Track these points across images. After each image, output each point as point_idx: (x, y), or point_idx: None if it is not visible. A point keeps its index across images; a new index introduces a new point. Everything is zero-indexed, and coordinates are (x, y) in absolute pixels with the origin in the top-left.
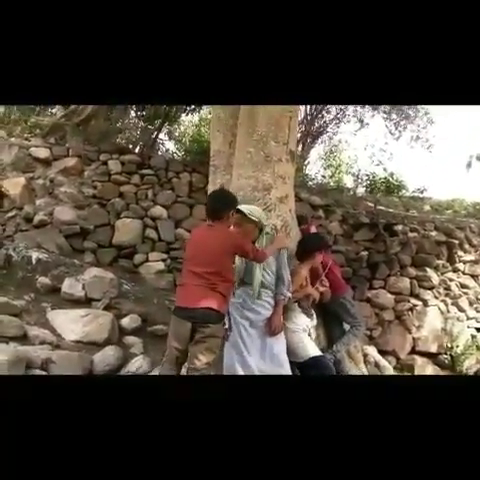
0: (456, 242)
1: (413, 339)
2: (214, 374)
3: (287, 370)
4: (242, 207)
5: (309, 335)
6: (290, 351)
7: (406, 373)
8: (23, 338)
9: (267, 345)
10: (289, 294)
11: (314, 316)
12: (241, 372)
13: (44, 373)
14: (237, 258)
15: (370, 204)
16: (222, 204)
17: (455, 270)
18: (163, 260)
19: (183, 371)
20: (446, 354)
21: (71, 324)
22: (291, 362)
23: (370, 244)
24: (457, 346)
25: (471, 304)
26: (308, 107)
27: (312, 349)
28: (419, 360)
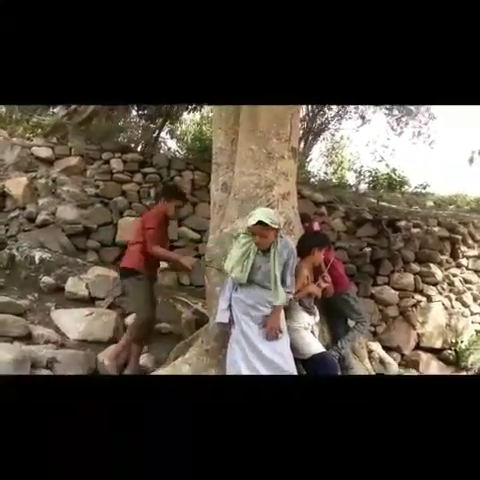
0: (459, 237)
1: (417, 335)
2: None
3: (291, 365)
4: (261, 217)
5: (312, 332)
6: (293, 348)
7: (411, 369)
8: (27, 338)
9: (270, 340)
10: (290, 296)
11: (316, 313)
12: (244, 367)
13: (49, 372)
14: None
15: (373, 200)
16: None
17: (459, 265)
18: None
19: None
20: (451, 350)
21: (75, 323)
22: (295, 359)
23: (373, 240)
24: (462, 341)
25: (475, 299)
26: None
27: (315, 346)
28: (424, 356)
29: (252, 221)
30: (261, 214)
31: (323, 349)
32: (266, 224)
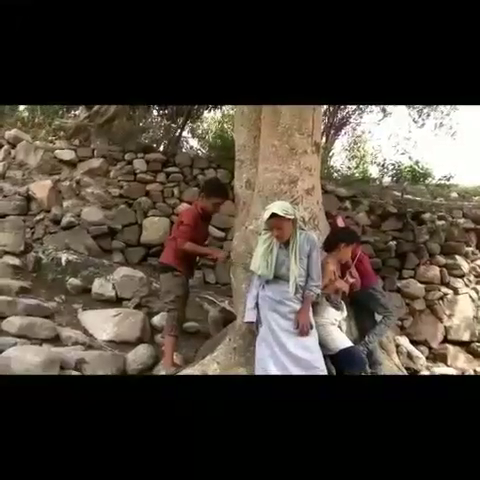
0: None
1: (445, 328)
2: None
3: (319, 361)
4: (274, 209)
5: (339, 327)
6: (320, 344)
7: (439, 363)
8: (56, 339)
9: (302, 336)
10: (318, 291)
11: (344, 308)
12: (272, 364)
13: (78, 374)
14: (262, 249)
15: (397, 193)
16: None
17: None
18: None
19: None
20: (479, 342)
21: (103, 324)
22: (323, 355)
23: (398, 234)
24: None
25: None
26: None
27: (342, 341)
28: (451, 349)
29: (266, 215)
30: (274, 207)
31: (350, 344)
32: (280, 216)
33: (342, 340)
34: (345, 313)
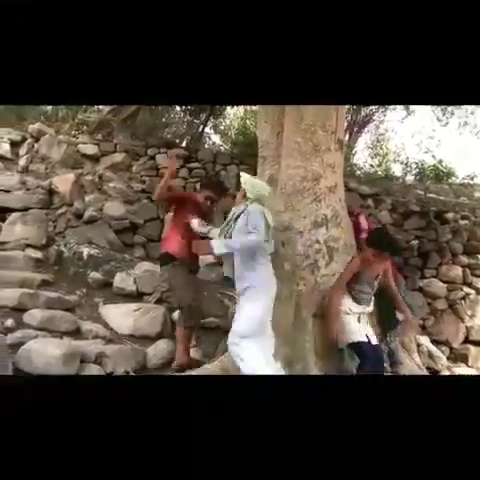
0: None
1: (466, 328)
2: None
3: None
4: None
5: (359, 320)
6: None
7: (460, 363)
8: (76, 333)
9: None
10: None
11: (367, 303)
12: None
13: (98, 368)
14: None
15: (420, 192)
16: None
17: None
18: None
19: None
20: None
21: (123, 318)
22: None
23: (421, 232)
24: None
25: None
26: None
27: (355, 334)
28: (473, 349)
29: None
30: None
31: (364, 338)
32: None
33: (356, 333)
34: (369, 308)
